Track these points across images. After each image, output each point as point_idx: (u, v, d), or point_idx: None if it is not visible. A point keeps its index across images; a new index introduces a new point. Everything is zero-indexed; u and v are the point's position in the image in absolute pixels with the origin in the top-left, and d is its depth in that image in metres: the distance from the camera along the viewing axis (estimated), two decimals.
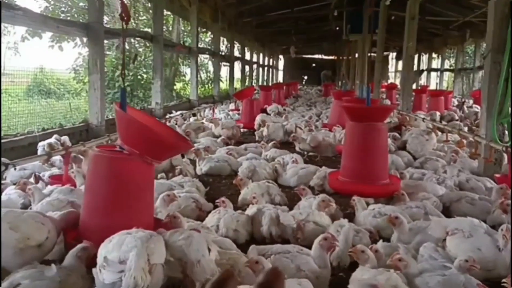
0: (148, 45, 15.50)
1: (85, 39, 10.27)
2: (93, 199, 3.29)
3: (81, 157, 5.10)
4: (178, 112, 10.66)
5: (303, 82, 38.78)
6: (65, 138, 6.46)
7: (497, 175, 5.56)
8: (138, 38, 14.70)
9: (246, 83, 22.41)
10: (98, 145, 4.47)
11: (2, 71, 9.29)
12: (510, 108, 5.80)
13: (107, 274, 2.52)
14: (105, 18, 14.92)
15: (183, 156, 6.21)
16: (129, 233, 2.68)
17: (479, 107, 11.84)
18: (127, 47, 16.41)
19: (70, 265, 2.81)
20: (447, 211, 4.45)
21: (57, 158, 5.45)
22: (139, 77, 17.67)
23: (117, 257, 2.55)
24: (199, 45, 15.58)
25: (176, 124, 8.70)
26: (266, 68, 31.18)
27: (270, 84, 28.58)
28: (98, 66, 7.81)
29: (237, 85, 22.07)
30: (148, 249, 2.57)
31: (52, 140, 6.23)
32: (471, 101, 15.72)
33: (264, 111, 12.72)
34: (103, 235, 2.74)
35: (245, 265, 2.73)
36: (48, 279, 2.61)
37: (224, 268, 2.81)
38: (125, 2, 3.66)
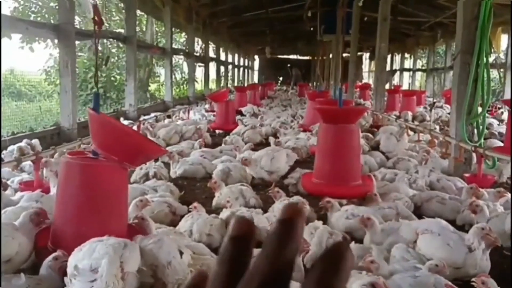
0: (121, 46, 15.33)
1: (56, 41, 10.09)
2: (67, 207, 3.22)
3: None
4: (152, 115, 10.57)
5: (278, 83, 38.85)
6: (35, 142, 6.34)
7: (467, 175, 5.69)
8: (111, 39, 14.53)
9: (222, 84, 22.36)
10: (69, 150, 4.40)
11: None
12: (478, 109, 5.95)
13: (78, 283, 2.47)
14: (77, 19, 14.69)
15: (156, 160, 6.16)
16: (100, 241, 2.64)
17: (449, 106, 12.08)
18: (99, 48, 16.21)
19: (42, 275, 2.77)
20: (419, 211, 4.54)
21: (26, 163, 5.34)
22: (112, 78, 17.49)
23: (89, 264, 2.49)
24: (173, 46, 15.48)
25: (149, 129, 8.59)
26: (241, 69, 31.18)
27: (245, 84, 28.56)
28: (69, 68, 7.68)
29: (213, 85, 22.00)
30: (122, 257, 2.53)
31: (22, 144, 6.10)
32: (442, 101, 16.02)
33: (239, 112, 12.75)
34: (77, 243, 2.68)
35: None
36: None
37: None
38: (97, 5, 3.61)
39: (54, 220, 3.26)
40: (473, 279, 2.71)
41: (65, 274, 2.63)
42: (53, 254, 2.81)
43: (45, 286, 2.70)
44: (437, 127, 9.70)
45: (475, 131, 6.03)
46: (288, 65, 38.24)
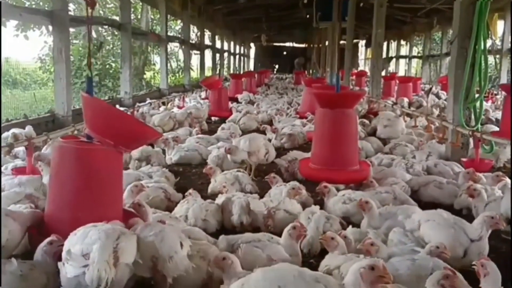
0: (116, 33, 15.19)
1: (50, 28, 9.95)
2: (61, 192, 3.15)
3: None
4: (147, 102, 10.50)
5: (274, 71, 38.73)
6: (29, 128, 6.29)
7: (464, 159, 5.66)
8: (105, 26, 14.38)
9: (217, 72, 22.24)
10: (62, 136, 4.35)
11: None
12: (475, 93, 5.91)
13: (70, 268, 2.42)
14: (71, 6, 14.53)
15: (153, 146, 6.12)
16: (94, 226, 2.60)
17: (444, 93, 12.06)
18: (94, 35, 16.08)
19: (36, 261, 2.72)
20: (416, 195, 4.51)
21: (20, 150, 5.29)
22: (107, 66, 17.37)
23: (80, 249, 2.44)
24: (168, 33, 15.34)
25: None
26: (237, 56, 31.02)
27: (241, 72, 28.45)
28: (63, 55, 7.60)
29: (208, 73, 21.87)
30: (118, 246, 2.48)
31: (17, 130, 6.05)
32: (438, 87, 15.99)
33: (235, 99, 12.69)
34: (72, 228, 2.63)
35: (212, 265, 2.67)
36: (8, 274, 2.52)
37: (195, 259, 2.74)
38: None
39: (48, 206, 3.21)
40: (474, 262, 2.68)
41: (60, 259, 2.59)
42: (48, 239, 2.76)
43: (39, 271, 2.65)
44: (436, 111, 9.68)
45: (472, 116, 6.00)
46: (284, 52, 38.07)
